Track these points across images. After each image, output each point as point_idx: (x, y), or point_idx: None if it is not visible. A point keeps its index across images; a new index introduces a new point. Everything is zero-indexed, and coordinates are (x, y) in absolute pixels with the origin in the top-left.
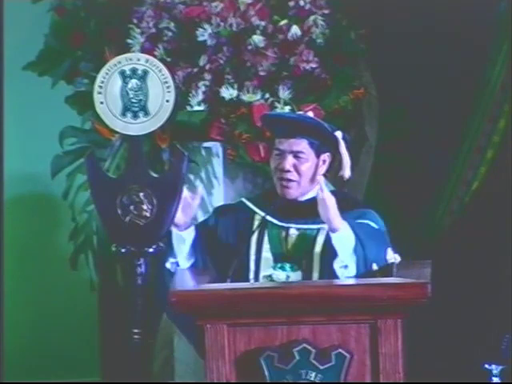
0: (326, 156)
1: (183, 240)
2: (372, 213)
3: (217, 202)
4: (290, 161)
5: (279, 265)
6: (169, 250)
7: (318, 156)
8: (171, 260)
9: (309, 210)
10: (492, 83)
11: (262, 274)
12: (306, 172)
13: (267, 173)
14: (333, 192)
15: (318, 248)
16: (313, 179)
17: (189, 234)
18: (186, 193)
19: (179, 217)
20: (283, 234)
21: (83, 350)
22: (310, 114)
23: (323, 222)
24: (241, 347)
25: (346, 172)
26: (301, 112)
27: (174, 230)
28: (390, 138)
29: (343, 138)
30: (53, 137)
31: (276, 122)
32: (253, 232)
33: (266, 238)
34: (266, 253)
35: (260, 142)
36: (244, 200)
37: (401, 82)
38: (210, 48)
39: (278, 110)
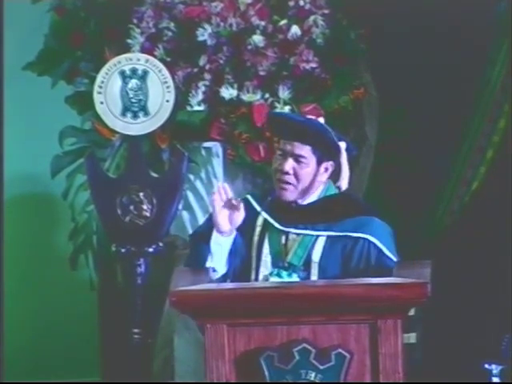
0: (328, 165)
1: (222, 245)
2: (373, 222)
3: None
4: (290, 163)
5: (275, 271)
6: (207, 253)
7: (319, 163)
8: (209, 264)
9: (309, 215)
10: (492, 83)
11: (260, 278)
12: (304, 177)
13: (267, 173)
14: (337, 195)
15: (316, 254)
16: (311, 185)
17: (229, 241)
18: (234, 201)
19: (225, 223)
20: (283, 238)
21: (83, 350)
22: (321, 120)
23: (322, 228)
24: (241, 347)
25: (344, 183)
26: (312, 117)
27: (215, 234)
28: (390, 138)
29: (347, 149)
30: (53, 137)
31: (283, 122)
32: (253, 232)
33: (266, 240)
34: (266, 256)
35: (260, 142)
36: (248, 197)
37: (401, 82)
38: (210, 48)
39: (278, 110)
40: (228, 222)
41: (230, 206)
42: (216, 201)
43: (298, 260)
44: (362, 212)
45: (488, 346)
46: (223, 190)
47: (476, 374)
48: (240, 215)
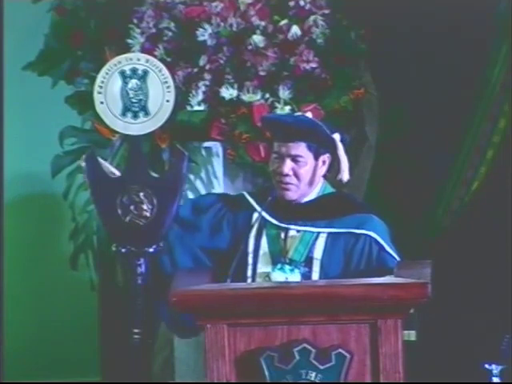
0: (325, 157)
1: None
2: (372, 219)
3: None
4: (288, 165)
5: (279, 266)
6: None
7: (316, 158)
8: None
9: (309, 212)
10: (492, 83)
11: (260, 272)
12: (304, 175)
13: (267, 173)
14: (334, 194)
15: (317, 251)
16: (312, 181)
17: None
18: None
19: None
20: (282, 234)
21: (83, 350)
22: (309, 114)
23: (323, 226)
24: (241, 347)
25: (345, 175)
26: (299, 113)
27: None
28: (389, 138)
29: (341, 141)
30: (53, 137)
31: (274, 125)
32: (251, 229)
33: (264, 237)
34: (264, 252)
35: (260, 141)
36: (245, 194)
37: (401, 82)
38: (210, 48)
39: (278, 110)
40: None
41: None
42: None
43: (300, 256)
44: (360, 209)
45: (488, 346)
46: None
47: (476, 374)
48: None
